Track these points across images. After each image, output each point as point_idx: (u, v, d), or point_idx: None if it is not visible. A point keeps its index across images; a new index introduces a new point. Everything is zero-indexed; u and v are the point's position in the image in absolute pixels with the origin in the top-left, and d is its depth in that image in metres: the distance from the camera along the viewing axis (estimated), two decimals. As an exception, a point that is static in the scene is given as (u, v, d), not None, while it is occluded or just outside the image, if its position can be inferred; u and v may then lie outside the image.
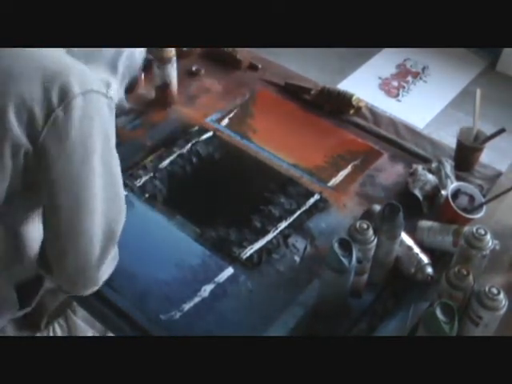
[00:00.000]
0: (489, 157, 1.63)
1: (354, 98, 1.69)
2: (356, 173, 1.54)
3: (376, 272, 1.22)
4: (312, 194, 1.46)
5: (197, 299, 1.23)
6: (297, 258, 1.32)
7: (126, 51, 1.09)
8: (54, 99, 0.90)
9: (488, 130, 1.51)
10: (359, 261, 1.14)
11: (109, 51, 1.05)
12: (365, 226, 1.14)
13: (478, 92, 1.51)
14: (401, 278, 1.26)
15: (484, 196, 1.39)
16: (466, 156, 1.53)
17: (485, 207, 1.33)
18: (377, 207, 1.30)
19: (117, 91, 1.10)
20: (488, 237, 1.15)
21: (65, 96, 0.91)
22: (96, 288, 1.08)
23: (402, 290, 1.25)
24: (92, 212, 0.99)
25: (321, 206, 1.43)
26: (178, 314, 1.20)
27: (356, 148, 1.61)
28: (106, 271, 1.08)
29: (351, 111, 1.70)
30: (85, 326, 1.31)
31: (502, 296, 1.04)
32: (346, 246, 1.11)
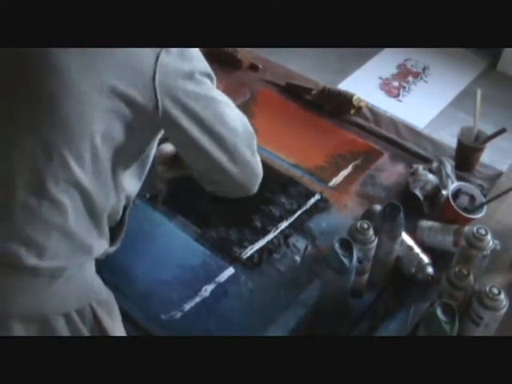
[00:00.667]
0: (489, 157, 1.63)
1: (354, 97, 1.69)
2: (357, 173, 1.54)
3: (377, 272, 1.22)
4: (313, 194, 1.46)
5: (197, 299, 1.23)
6: (297, 258, 1.32)
7: None
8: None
9: (488, 129, 1.51)
10: (360, 261, 1.14)
11: None
12: (365, 226, 1.14)
13: (479, 92, 1.51)
14: (401, 278, 1.26)
15: (485, 196, 1.39)
16: (466, 156, 1.53)
17: (485, 207, 1.33)
18: (377, 207, 1.30)
19: None
20: (489, 237, 1.15)
21: None
22: (260, 178, 1.17)
23: (402, 289, 1.25)
24: (228, 120, 1.06)
25: (321, 206, 1.43)
26: (179, 314, 1.20)
27: (357, 148, 1.61)
28: (259, 160, 1.16)
29: (352, 111, 1.70)
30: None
31: (502, 296, 1.04)
32: (346, 245, 1.11)
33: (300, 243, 1.35)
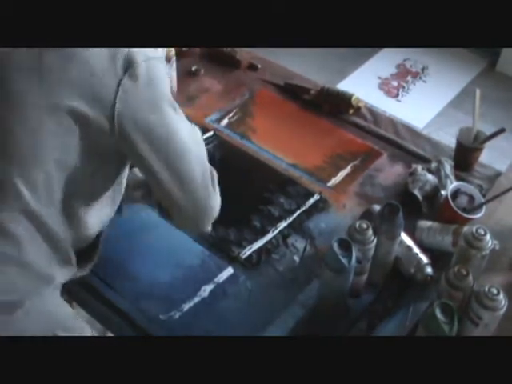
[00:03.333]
0: (488, 157, 1.62)
1: (353, 97, 1.69)
2: (355, 173, 1.54)
3: (375, 272, 1.22)
4: (312, 194, 1.46)
5: (196, 299, 1.23)
6: (296, 258, 1.32)
7: None
8: (120, 70, 0.93)
9: (488, 129, 1.51)
10: (359, 261, 1.14)
11: None
12: (364, 226, 1.14)
13: (478, 92, 1.51)
14: (400, 278, 1.26)
15: (483, 196, 1.39)
16: (465, 156, 1.53)
17: (484, 207, 1.33)
18: (376, 207, 1.30)
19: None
20: (487, 237, 1.15)
21: (129, 65, 0.93)
22: (213, 219, 1.12)
23: (401, 290, 1.25)
24: (186, 154, 1.03)
25: (320, 206, 1.43)
26: (178, 314, 1.20)
27: (355, 148, 1.61)
28: (215, 203, 1.12)
29: (351, 111, 1.70)
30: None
31: (501, 296, 1.04)
32: (345, 246, 1.11)
33: (299, 243, 1.35)
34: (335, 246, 1.11)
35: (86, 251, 1.11)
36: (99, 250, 1.15)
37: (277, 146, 1.59)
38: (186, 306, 1.21)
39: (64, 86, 0.91)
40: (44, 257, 0.98)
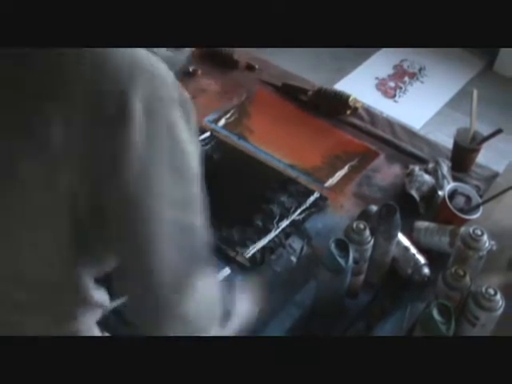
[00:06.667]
0: (486, 157, 1.63)
1: (350, 98, 1.69)
2: (353, 173, 1.54)
3: (373, 272, 1.22)
4: (312, 192, 1.45)
5: (193, 299, 1.22)
6: (293, 259, 1.32)
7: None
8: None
9: (485, 130, 1.51)
10: (356, 261, 1.14)
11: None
12: (361, 227, 1.14)
13: (475, 93, 1.52)
14: (397, 279, 1.26)
15: (481, 197, 1.39)
16: (462, 157, 1.53)
17: (481, 208, 1.33)
18: (373, 208, 1.30)
19: None
20: (485, 237, 1.15)
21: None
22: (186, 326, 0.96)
23: (398, 290, 1.25)
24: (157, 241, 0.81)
25: (321, 205, 1.43)
26: (175, 315, 1.19)
27: (353, 148, 1.61)
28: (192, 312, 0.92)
29: (348, 112, 1.70)
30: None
31: (498, 297, 1.04)
32: (342, 246, 1.11)
33: (296, 244, 1.35)
34: (332, 246, 1.11)
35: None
36: None
37: (274, 146, 1.59)
38: (183, 307, 1.21)
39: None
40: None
